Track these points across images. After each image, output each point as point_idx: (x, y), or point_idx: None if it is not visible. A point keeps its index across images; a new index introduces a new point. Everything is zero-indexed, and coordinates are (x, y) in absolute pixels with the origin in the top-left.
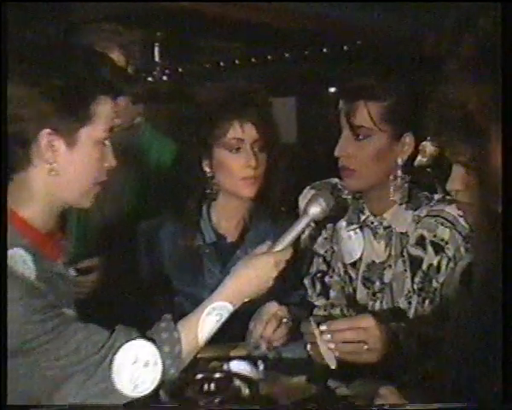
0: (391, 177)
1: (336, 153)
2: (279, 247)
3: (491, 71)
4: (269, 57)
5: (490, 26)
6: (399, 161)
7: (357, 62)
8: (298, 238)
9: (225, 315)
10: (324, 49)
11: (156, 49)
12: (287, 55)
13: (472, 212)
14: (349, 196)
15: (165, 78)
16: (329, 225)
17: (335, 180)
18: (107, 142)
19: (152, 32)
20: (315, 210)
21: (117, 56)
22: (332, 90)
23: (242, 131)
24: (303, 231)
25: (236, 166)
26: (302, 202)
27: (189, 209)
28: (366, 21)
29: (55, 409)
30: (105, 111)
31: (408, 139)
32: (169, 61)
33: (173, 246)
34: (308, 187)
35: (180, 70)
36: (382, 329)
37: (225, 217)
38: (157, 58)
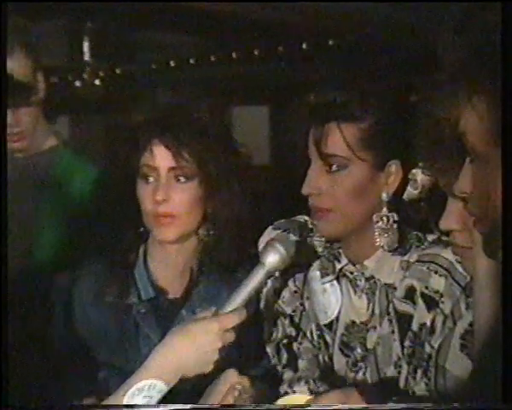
0: (374, 217)
1: (304, 190)
2: (227, 308)
3: (490, 80)
4: (234, 55)
5: (489, 27)
6: (384, 197)
7: (342, 63)
8: (257, 294)
9: (156, 396)
10: (304, 45)
11: (85, 45)
12: (256, 52)
13: (469, 258)
14: (322, 239)
15: (97, 82)
16: (298, 276)
17: (305, 218)
18: None
19: (80, 23)
20: (272, 259)
21: (21, 59)
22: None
23: (153, 157)
24: (261, 286)
25: (145, 199)
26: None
27: (119, 255)
28: (356, 13)
29: (57, 409)
30: None
31: (394, 168)
32: (103, 60)
33: (98, 304)
34: (270, 227)
35: (118, 71)
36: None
37: (166, 265)
38: (87, 56)
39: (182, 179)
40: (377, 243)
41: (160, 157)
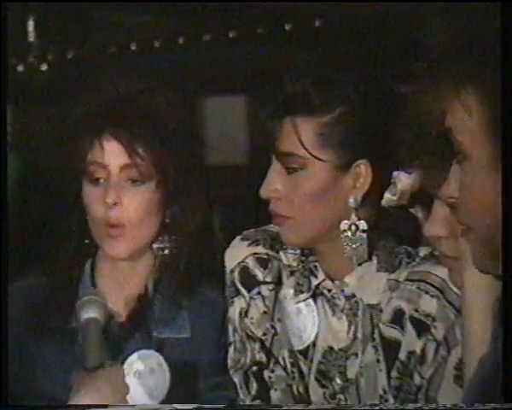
0: (342, 225)
1: (261, 192)
2: None
3: (480, 71)
4: (205, 37)
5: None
6: (352, 202)
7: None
8: (221, 315)
9: None
10: (286, 27)
11: (30, 25)
12: (231, 34)
13: (457, 270)
14: (296, 252)
15: (44, 67)
16: (269, 294)
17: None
18: None
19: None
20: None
21: None
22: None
23: (102, 153)
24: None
25: (92, 204)
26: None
27: (59, 271)
28: None
29: (55, 409)
30: None
31: (362, 169)
32: (51, 41)
33: (35, 328)
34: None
35: (69, 56)
36: None
37: (117, 284)
38: (32, 37)
39: (136, 181)
40: (345, 255)
41: (111, 153)
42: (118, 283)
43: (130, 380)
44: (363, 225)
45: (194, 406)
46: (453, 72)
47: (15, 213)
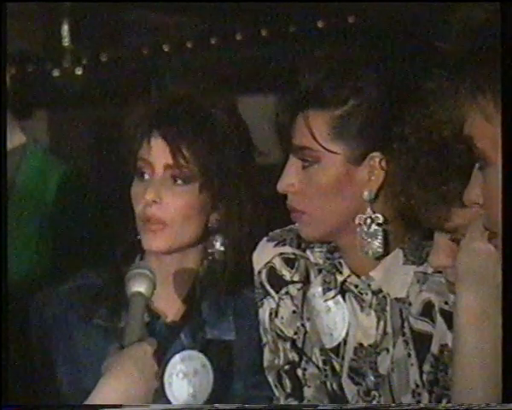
0: (357, 219)
1: (279, 187)
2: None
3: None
4: (238, 36)
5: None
6: (366, 195)
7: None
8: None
9: None
10: (319, 24)
11: (65, 29)
12: (264, 33)
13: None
14: (323, 249)
15: (79, 71)
16: (297, 293)
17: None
18: None
19: (57, 2)
20: (145, 285)
21: None
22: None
23: (149, 151)
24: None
25: (136, 198)
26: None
27: (110, 269)
28: None
29: (56, 409)
30: None
31: (376, 162)
32: (85, 45)
33: (82, 328)
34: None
35: (103, 58)
36: None
37: (164, 283)
38: (66, 41)
39: (179, 181)
40: (361, 249)
41: (157, 152)
42: (164, 281)
43: (174, 380)
44: (378, 218)
45: (235, 406)
46: (470, 77)
47: (62, 220)
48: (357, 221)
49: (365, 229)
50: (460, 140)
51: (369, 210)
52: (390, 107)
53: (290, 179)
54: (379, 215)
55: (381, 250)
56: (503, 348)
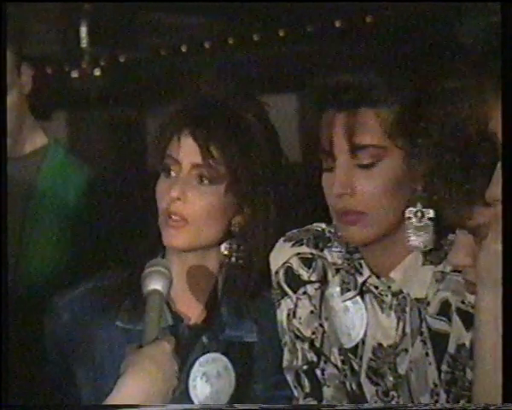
0: (407, 212)
1: (336, 190)
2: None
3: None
4: (255, 37)
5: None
6: (420, 189)
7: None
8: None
9: None
10: (337, 24)
11: (83, 30)
12: (281, 33)
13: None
14: (341, 250)
15: (97, 72)
16: (315, 293)
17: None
18: None
19: (76, 5)
20: (162, 282)
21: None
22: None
23: (178, 149)
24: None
25: (160, 195)
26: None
27: (131, 271)
28: None
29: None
30: None
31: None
32: (103, 46)
33: (105, 330)
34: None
35: (122, 60)
36: None
37: (186, 284)
38: (84, 43)
39: (205, 181)
40: (410, 243)
41: (186, 151)
42: (186, 282)
43: (198, 383)
44: (429, 212)
45: (256, 407)
46: (494, 74)
47: (83, 220)
48: (406, 215)
49: (415, 222)
50: (485, 137)
51: (419, 204)
52: (417, 104)
53: (349, 181)
54: (430, 210)
55: (431, 244)
56: (503, 348)
